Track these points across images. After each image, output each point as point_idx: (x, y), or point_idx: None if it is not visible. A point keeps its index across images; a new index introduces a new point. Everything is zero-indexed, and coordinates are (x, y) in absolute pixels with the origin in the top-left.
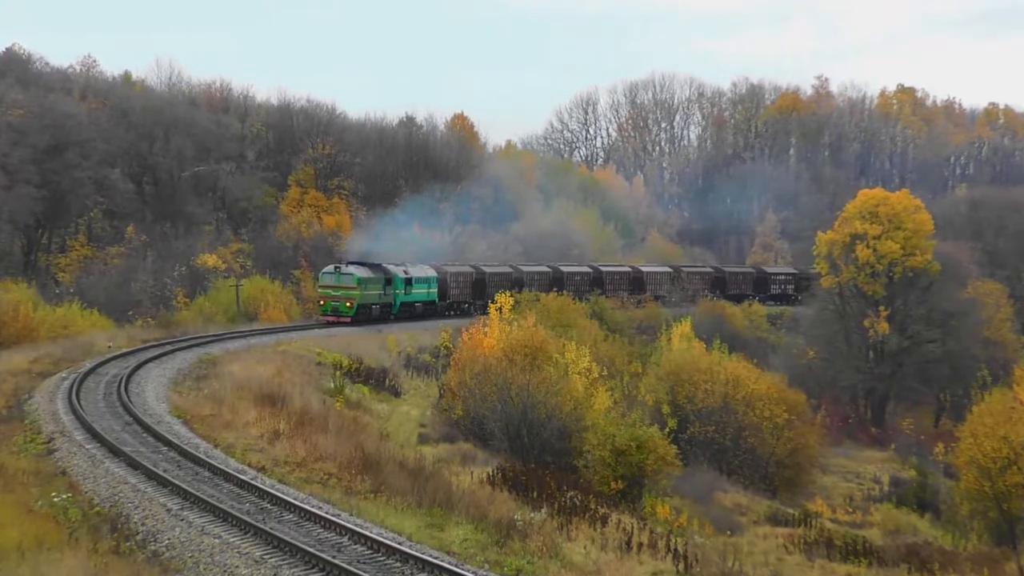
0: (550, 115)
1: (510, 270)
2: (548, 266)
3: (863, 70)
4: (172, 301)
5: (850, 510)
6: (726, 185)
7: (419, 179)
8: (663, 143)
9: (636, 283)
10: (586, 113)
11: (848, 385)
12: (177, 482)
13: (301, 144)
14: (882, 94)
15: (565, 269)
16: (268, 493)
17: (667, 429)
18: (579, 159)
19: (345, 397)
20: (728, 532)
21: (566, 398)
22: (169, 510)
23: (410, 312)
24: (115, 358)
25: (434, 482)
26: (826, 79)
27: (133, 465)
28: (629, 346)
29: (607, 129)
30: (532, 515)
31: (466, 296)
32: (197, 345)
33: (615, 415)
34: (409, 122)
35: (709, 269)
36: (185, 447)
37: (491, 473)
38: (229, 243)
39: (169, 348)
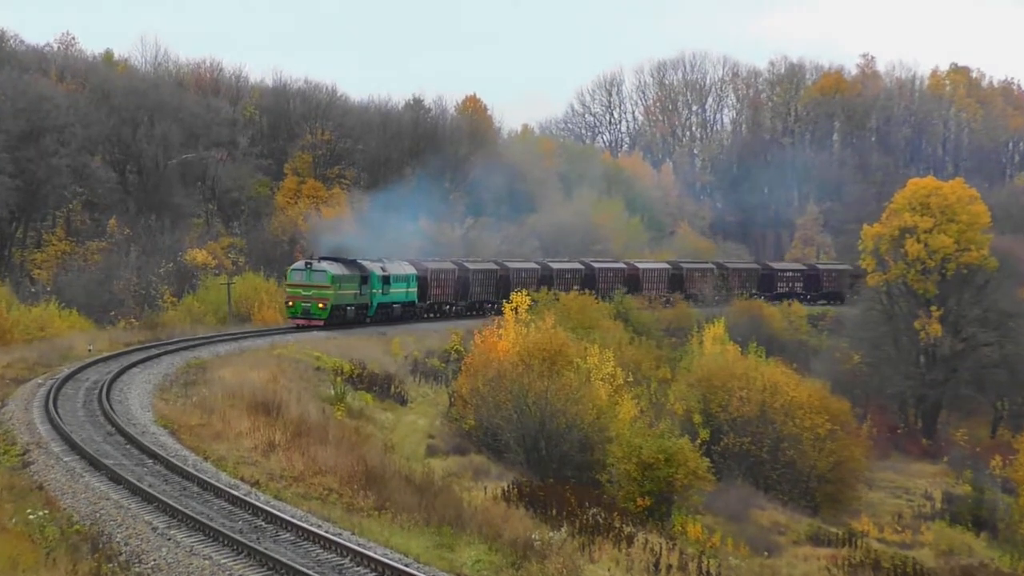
0: (571, 97)
1: (496, 267)
2: (536, 263)
3: (913, 48)
4: (158, 300)
5: (899, 529)
6: (763, 173)
7: (427, 167)
8: (694, 127)
9: (631, 281)
10: (610, 95)
11: (896, 392)
12: (163, 498)
13: (298, 129)
14: (933, 74)
15: (555, 266)
16: (262, 510)
17: (698, 440)
18: (602, 145)
19: (346, 405)
20: (765, 553)
21: (588, 407)
22: (155, 528)
23: (387, 314)
24: (96, 362)
25: (444, 498)
26: (872, 57)
27: (115, 479)
28: (657, 349)
29: (633, 112)
30: (551, 534)
31: (448, 296)
32: (185, 348)
33: (642, 425)
34: (416, 105)
35: (711, 266)
36: (172, 460)
37: (506, 488)
38: (220, 237)
39: (154, 352)
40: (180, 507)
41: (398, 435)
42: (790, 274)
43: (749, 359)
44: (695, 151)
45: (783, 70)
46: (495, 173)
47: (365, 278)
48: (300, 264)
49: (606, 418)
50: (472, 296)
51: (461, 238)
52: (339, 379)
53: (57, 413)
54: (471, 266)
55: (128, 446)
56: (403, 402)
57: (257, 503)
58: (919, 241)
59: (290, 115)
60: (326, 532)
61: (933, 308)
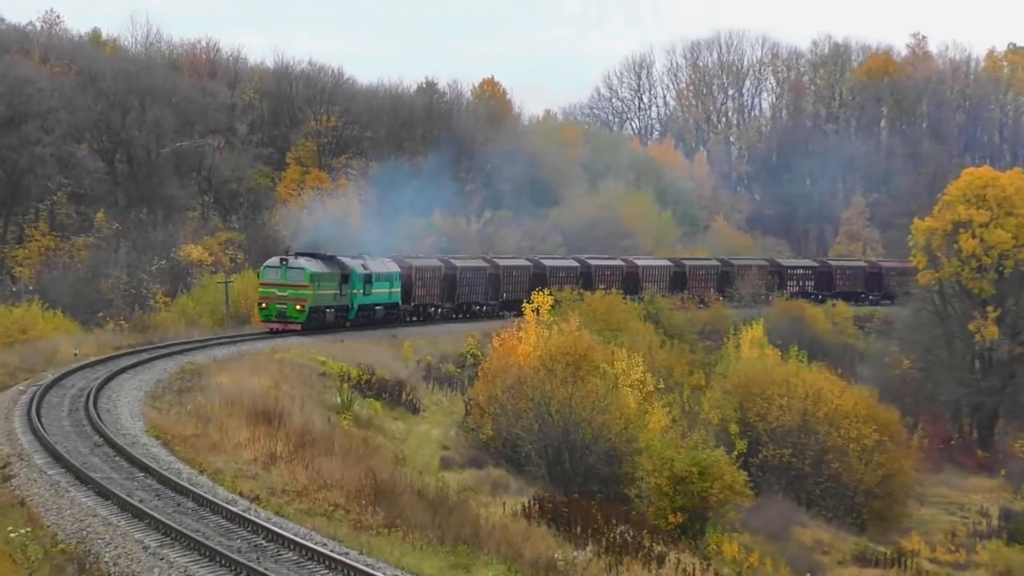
0: (596, 80)
1: (485, 264)
2: (528, 259)
3: (968, 26)
4: (149, 301)
5: (953, 548)
6: (805, 163)
7: (441, 155)
8: (730, 113)
9: (630, 279)
10: (639, 78)
11: (950, 400)
12: (155, 514)
13: (301, 115)
14: (990, 55)
15: (548, 264)
16: (263, 527)
17: (735, 452)
18: (631, 132)
19: (354, 414)
20: (808, 574)
21: (615, 415)
22: (146, 547)
23: (369, 317)
24: (82, 368)
25: (459, 514)
26: (923, 37)
27: (104, 494)
28: (690, 354)
29: (664, 97)
30: (575, 554)
31: (434, 297)
32: (179, 352)
33: (673, 436)
34: (429, 88)
35: (715, 263)
36: (165, 473)
37: (527, 504)
38: (216, 232)
39: (146, 356)
40: (174, 524)
41: (410, 446)
42: (800, 272)
43: (790, 364)
44: (731, 139)
45: (827, 51)
46: (515, 162)
47: (346, 276)
48: (274, 261)
49: (635, 428)
50: (459, 297)
51: (478, 233)
52: (346, 386)
53: (40, 422)
54: (458, 263)
55: (117, 458)
56: (415, 411)
57: (257, 520)
58: (974, 236)
59: (293, 100)
60: (332, 551)
61: (989, 309)
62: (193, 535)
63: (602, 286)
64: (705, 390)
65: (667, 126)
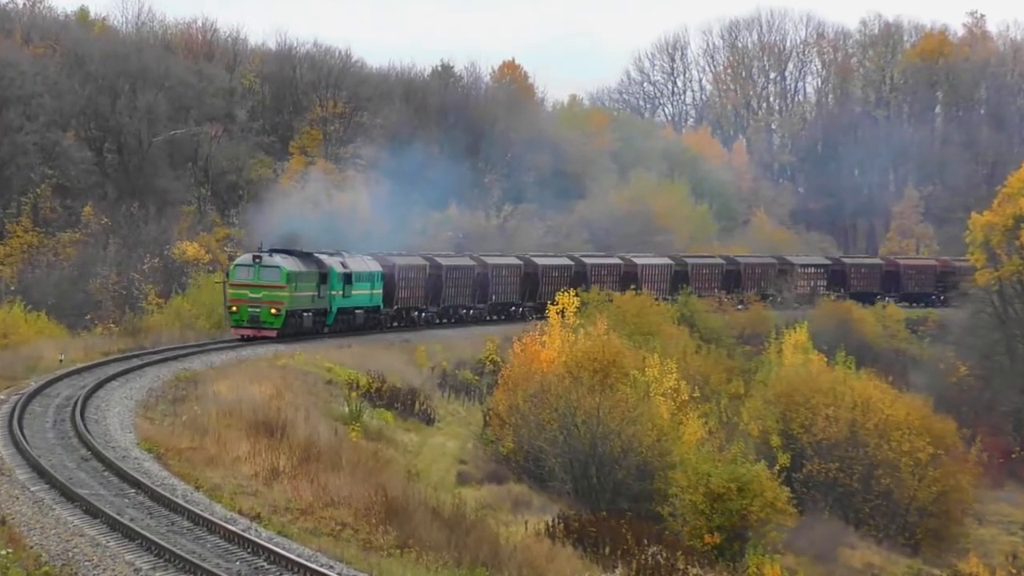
0: (626, 63)
1: (473, 263)
2: (519, 258)
3: None
4: (141, 302)
5: (1014, 571)
6: (853, 152)
7: (457, 144)
8: (771, 98)
9: (627, 279)
10: (673, 60)
11: (1011, 410)
12: (148, 534)
13: (306, 100)
14: None
15: (540, 262)
16: (265, 548)
17: (777, 467)
18: (664, 119)
19: (363, 425)
20: None
21: (647, 427)
22: (137, 570)
23: (348, 323)
24: (68, 375)
25: (477, 534)
26: (982, 16)
27: (91, 512)
28: (728, 359)
29: (700, 81)
30: None
31: (418, 299)
32: (173, 358)
33: (710, 449)
34: (445, 72)
35: (720, 261)
36: (158, 489)
37: (550, 523)
38: (214, 227)
39: (137, 362)
40: (167, 545)
41: (424, 460)
42: (812, 270)
43: (837, 371)
44: (773, 126)
45: (877, 30)
46: (537, 152)
47: (324, 276)
48: (246, 258)
49: (668, 440)
50: (445, 299)
51: (498, 228)
52: (354, 394)
53: (23, 434)
54: (444, 262)
55: (106, 473)
56: (429, 421)
57: (258, 540)
58: None
59: (296, 84)
60: (339, 574)
61: None
62: (188, 556)
63: (598, 286)
64: (744, 399)
65: (703, 112)
